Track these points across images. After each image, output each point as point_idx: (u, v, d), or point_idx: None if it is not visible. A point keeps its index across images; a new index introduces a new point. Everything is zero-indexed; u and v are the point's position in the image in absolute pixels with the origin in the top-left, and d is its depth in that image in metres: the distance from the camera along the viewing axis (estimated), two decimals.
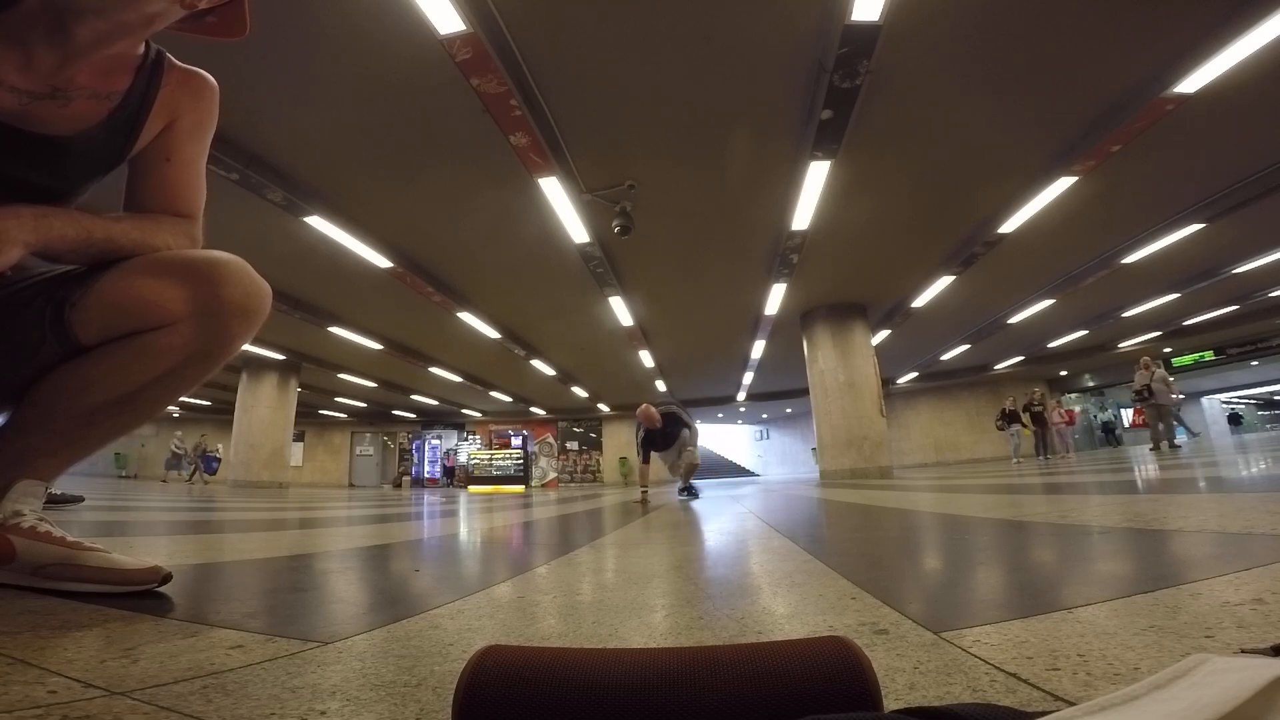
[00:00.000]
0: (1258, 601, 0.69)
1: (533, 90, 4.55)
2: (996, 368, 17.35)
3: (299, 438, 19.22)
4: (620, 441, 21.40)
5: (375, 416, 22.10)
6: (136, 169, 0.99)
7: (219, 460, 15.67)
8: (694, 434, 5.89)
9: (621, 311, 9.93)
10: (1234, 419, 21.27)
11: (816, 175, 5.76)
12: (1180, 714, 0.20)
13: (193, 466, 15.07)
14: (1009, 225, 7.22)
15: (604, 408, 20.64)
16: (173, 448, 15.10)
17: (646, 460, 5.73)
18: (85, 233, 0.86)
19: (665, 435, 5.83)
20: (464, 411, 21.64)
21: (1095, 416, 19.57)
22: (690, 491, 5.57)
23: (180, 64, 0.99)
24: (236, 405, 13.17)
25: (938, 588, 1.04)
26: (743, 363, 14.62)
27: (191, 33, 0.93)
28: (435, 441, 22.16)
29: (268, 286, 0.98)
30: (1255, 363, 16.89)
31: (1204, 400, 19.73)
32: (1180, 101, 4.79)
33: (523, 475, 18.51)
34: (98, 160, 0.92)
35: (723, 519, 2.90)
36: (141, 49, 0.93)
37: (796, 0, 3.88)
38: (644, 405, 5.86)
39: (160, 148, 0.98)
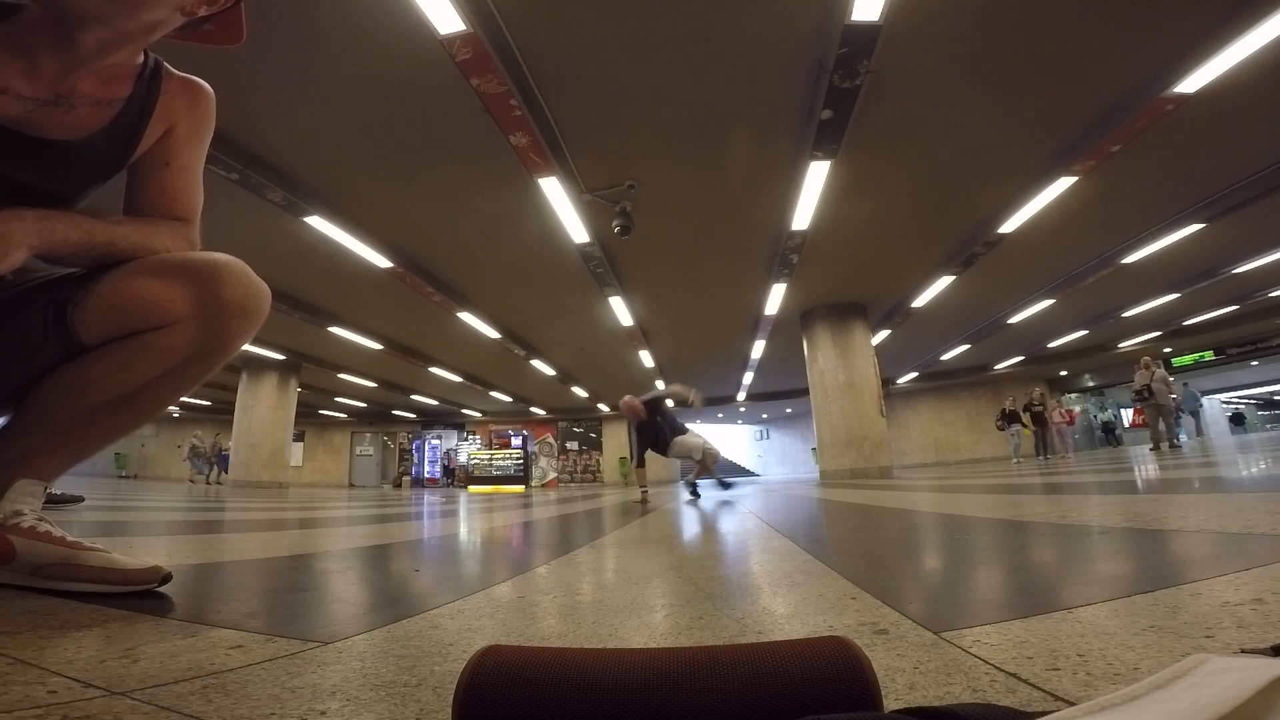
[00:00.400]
0: (1258, 601, 0.69)
1: (533, 90, 4.55)
2: (996, 368, 17.35)
3: (299, 438, 19.22)
4: (620, 441, 21.39)
5: (375, 416, 22.11)
6: (136, 174, 1.00)
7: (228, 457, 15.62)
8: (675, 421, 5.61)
9: (621, 311, 9.93)
10: (1237, 419, 21.24)
11: (816, 175, 5.76)
12: (1180, 714, 0.20)
13: (212, 466, 14.93)
14: (1009, 225, 7.22)
15: (604, 408, 20.64)
16: (192, 444, 14.90)
17: (641, 464, 5.55)
18: (87, 235, 0.87)
19: (656, 426, 5.52)
20: (464, 411, 21.65)
21: (1095, 416, 19.56)
22: (723, 485, 5.31)
23: (177, 72, 1.01)
24: (236, 405, 13.18)
25: (938, 588, 1.04)
26: (743, 363, 14.62)
27: (189, 41, 0.94)
28: (435, 441, 22.16)
29: (266, 288, 0.99)
30: (1255, 363, 16.89)
31: (1204, 400, 19.71)
32: (1180, 101, 4.79)
33: (523, 475, 18.51)
34: (99, 166, 0.93)
35: (723, 519, 2.90)
36: (141, 58, 0.94)
37: (796, 0, 3.89)
38: (626, 397, 5.66)
39: (159, 153, 1.00)
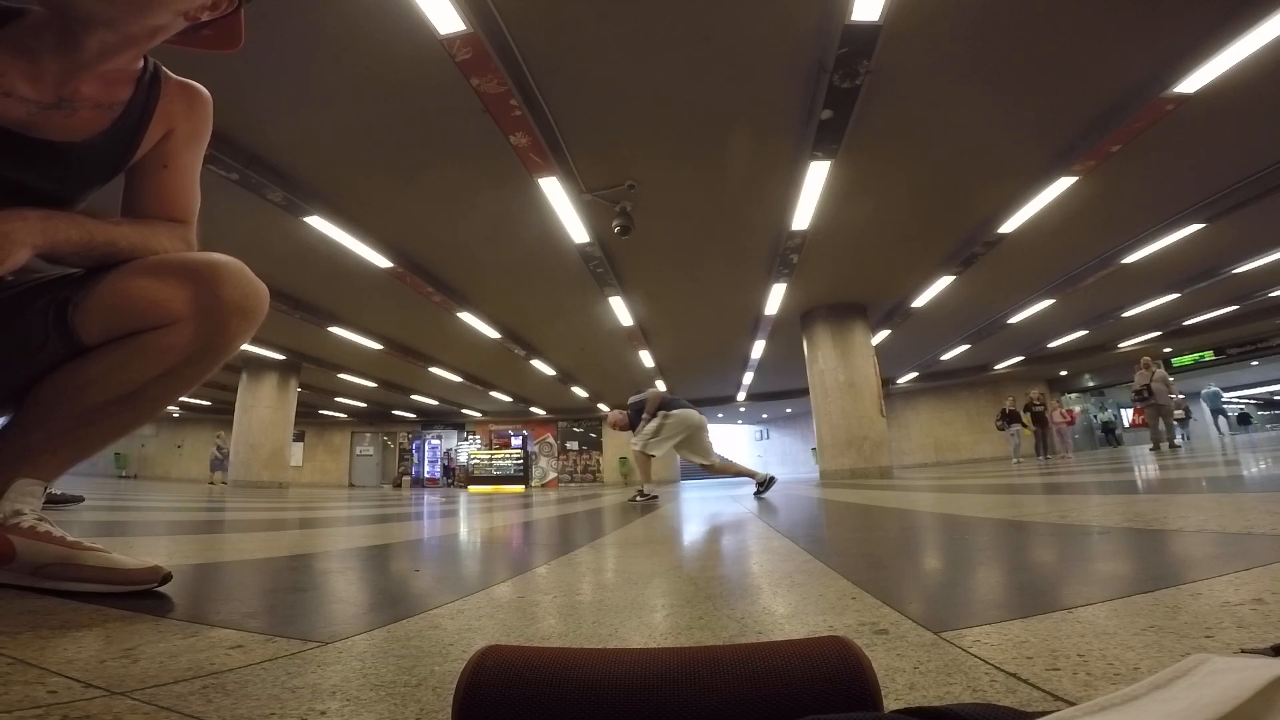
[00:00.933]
0: (1258, 601, 0.69)
1: (533, 90, 4.55)
2: (996, 368, 17.35)
3: (299, 438, 19.20)
4: (620, 441, 21.36)
5: (375, 416, 22.10)
6: (134, 176, 1.01)
7: None
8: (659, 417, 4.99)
9: (621, 311, 9.93)
10: (1244, 419, 21.25)
11: (816, 175, 5.76)
12: (1180, 714, 0.20)
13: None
14: (1009, 225, 7.22)
15: (604, 408, 20.63)
16: (216, 446, 14.73)
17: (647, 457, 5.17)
18: (88, 235, 0.88)
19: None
20: (464, 411, 21.64)
21: (1095, 416, 19.56)
22: (763, 486, 4.78)
23: (176, 76, 1.02)
24: (236, 405, 13.17)
25: (938, 588, 1.04)
26: (743, 363, 14.61)
27: (188, 46, 0.96)
28: (435, 441, 22.16)
29: (265, 288, 1.00)
30: (1255, 363, 16.89)
31: (1204, 400, 19.74)
32: (1180, 101, 4.79)
33: (523, 475, 18.51)
34: (100, 168, 0.94)
35: (722, 519, 2.90)
36: (141, 62, 0.95)
37: (796, 0, 3.89)
38: (611, 414, 5.54)
39: (158, 156, 1.01)
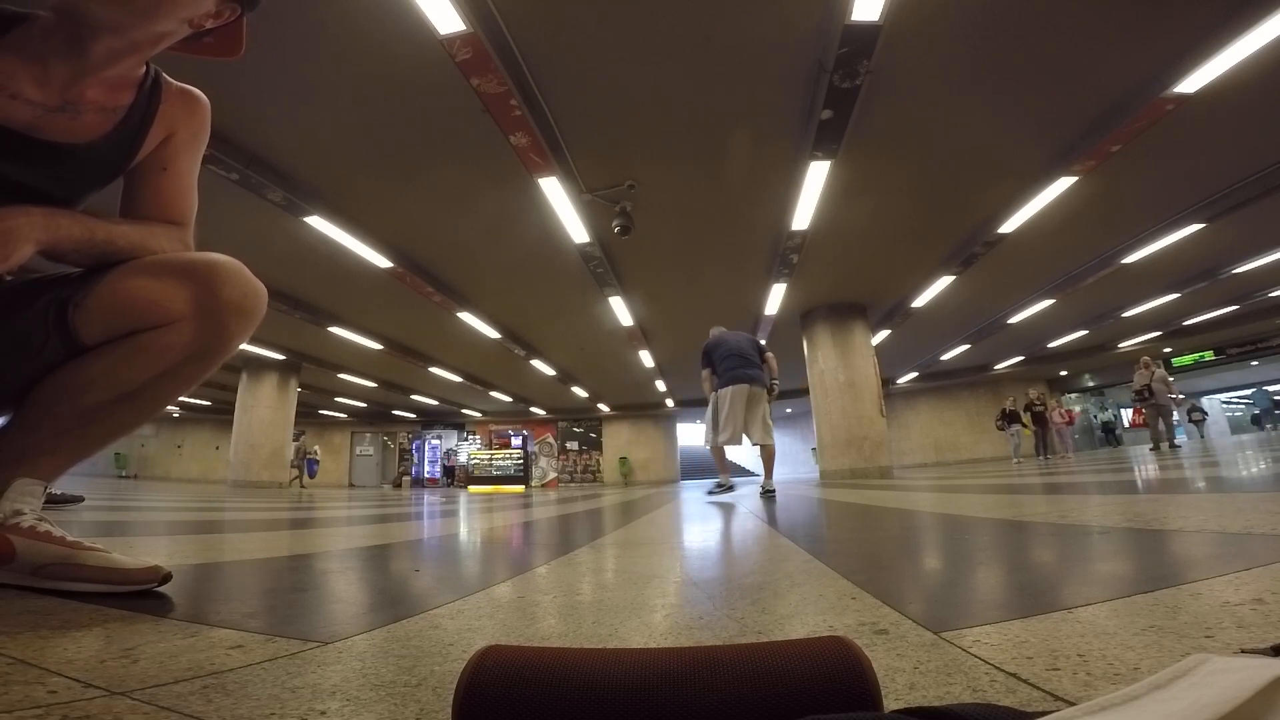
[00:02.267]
0: (1258, 601, 0.69)
1: (533, 90, 4.55)
2: (996, 368, 17.36)
3: (299, 438, 19.20)
4: (620, 441, 21.40)
5: (375, 416, 22.12)
6: (134, 178, 1.02)
7: (318, 462, 15.17)
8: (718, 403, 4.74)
9: (621, 311, 9.93)
10: (1257, 419, 21.29)
11: (816, 175, 5.76)
12: (1180, 714, 0.20)
13: (296, 471, 14.36)
14: (1009, 225, 7.22)
15: (604, 408, 20.64)
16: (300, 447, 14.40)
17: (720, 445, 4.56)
18: (89, 233, 0.89)
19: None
20: (464, 411, 21.66)
21: (1095, 416, 19.55)
22: (723, 488, 4.65)
23: (175, 82, 1.04)
24: (236, 405, 13.18)
25: (938, 588, 1.04)
26: None
27: (190, 54, 0.98)
28: (435, 441, 22.17)
29: (263, 287, 1.01)
30: (1255, 363, 16.90)
31: (1204, 400, 19.74)
32: (1180, 101, 4.79)
33: (523, 475, 18.50)
34: (102, 170, 0.96)
35: (723, 519, 2.90)
36: (143, 68, 0.97)
37: (796, 1, 3.89)
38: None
39: (157, 159, 1.02)
